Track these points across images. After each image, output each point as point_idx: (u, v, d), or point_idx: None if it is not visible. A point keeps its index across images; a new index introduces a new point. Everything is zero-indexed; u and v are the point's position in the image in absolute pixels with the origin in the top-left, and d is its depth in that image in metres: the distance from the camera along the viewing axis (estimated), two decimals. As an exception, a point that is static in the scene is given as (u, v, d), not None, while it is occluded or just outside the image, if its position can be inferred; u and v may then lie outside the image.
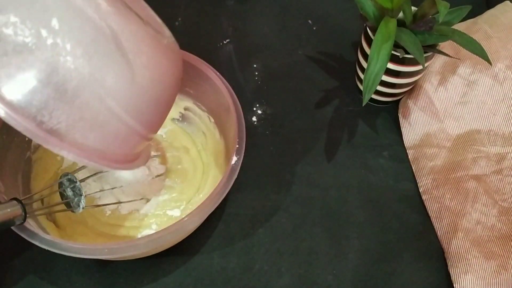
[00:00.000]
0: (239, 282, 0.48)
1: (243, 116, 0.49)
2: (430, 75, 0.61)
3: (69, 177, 0.44)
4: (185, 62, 0.50)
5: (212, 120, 0.54)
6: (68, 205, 0.44)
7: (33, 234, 0.39)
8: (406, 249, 0.52)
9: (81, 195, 0.44)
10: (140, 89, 0.36)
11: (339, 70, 0.67)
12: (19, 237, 0.39)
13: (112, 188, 0.50)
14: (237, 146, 0.47)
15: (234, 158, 0.46)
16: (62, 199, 0.44)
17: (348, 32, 0.71)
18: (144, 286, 0.47)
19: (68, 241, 0.39)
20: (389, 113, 0.63)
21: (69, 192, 0.44)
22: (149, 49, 0.36)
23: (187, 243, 0.50)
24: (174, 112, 0.57)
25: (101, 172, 0.49)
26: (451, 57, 0.55)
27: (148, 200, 0.51)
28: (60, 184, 0.44)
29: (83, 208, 0.44)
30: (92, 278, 0.47)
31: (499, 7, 0.64)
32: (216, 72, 0.52)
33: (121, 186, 0.50)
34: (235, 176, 0.45)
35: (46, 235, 0.39)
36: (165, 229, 0.40)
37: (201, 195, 0.52)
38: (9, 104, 0.31)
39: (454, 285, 0.48)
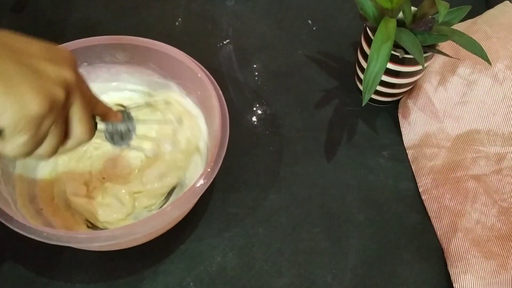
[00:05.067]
0: (239, 282, 0.48)
1: (227, 139, 0.46)
2: (429, 75, 0.61)
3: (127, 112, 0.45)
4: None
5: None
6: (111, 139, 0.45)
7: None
8: (405, 249, 0.52)
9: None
10: None
11: (339, 70, 0.68)
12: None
13: None
14: (209, 170, 0.43)
15: (200, 182, 0.42)
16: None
17: (348, 32, 0.71)
18: (144, 286, 0.47)
19: (33, 225, 0.39)
20: (389, 113, 0.63)
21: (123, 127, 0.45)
22: None
23: (187, 243, 0.50)
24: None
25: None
26: (451, 57, 0.55)
27: None
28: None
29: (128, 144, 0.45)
30: (92, 278, 0.47)
31: (498, 7, 0.64)
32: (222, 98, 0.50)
33: None
34: (194, 201, 0.42)
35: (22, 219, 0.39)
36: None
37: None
38: None
39: (454, 285, 0.48)
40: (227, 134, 0.46)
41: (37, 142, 0.32)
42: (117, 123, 0.44)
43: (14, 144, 0.31)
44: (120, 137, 0.45)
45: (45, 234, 0.39)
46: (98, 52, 0.53)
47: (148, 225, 0.41)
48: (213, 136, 0.48)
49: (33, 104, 0.30)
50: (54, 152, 0.35)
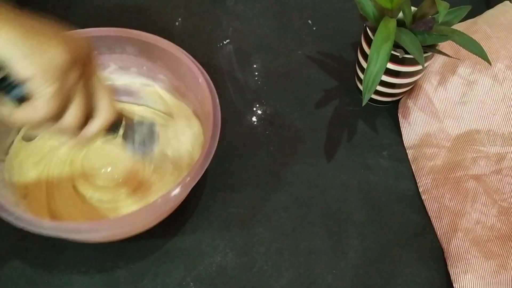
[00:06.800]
0: (239, 282, 0.48)
1: (213, 151, 0.44)
2: (429, 75, 0.61)
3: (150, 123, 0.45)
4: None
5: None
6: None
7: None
8: (405, 249, 0.52)
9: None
10: None
11: (339, 70, 0.68)
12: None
13: None
14: (188, 179, 0.42)
15: (177, 190, 0.41)
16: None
17: (348, 32, 0.71)
18: (144, 286, 0.47)
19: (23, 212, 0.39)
20: (389, 113, 0.64)
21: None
22: None
23: (187, 243, 0.50)
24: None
25: None
26: (451, 57, 0.55)
27: None
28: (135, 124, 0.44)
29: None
30: (93, 278, 0.47)
31: (498, 7, 0.64)
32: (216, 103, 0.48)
33: None
34: (166, 207, 0.42)
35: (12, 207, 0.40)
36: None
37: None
38: None
39: (454, 285, 0.48)
40: (214, 145, 0.44)
41: (63, 100, 0.33)
42: (139, 127, 0.44)
43: (43, 99, 0.32)
44: (142, 142, 0.44)
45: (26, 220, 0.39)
46: (108, 43, 0.53)
47: (124, 222, 0.42)
48: (203, 144, 0.47)
49: (58, 51, 0.32)
50: (78, 125, 0.35)
